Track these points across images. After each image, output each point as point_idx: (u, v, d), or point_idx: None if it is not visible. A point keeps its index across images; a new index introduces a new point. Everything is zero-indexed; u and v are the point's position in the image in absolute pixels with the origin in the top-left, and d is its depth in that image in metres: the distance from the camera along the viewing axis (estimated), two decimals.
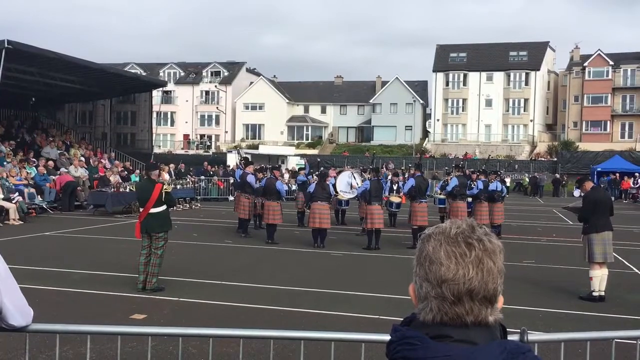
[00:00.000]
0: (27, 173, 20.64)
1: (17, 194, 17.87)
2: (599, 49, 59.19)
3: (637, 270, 11.45)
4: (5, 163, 20.51)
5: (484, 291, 1.25)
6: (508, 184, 34.87)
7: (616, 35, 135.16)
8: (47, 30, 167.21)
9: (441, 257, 1.27)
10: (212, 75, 71.67)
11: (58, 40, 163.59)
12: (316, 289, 9.05)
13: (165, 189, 9.05)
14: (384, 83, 68.33)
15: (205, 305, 7.94)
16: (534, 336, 3.29)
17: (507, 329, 1.36)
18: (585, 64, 58.99)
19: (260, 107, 68.71)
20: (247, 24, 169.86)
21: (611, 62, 57.97)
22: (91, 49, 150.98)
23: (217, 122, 70.36)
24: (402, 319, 1.38)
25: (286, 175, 29.20)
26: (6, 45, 18.61)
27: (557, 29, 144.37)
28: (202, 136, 70.07)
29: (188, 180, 26.36)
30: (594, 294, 8.66)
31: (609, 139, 57.18)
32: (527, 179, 44.85)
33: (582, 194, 9.53)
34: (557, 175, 44.27)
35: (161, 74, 68.80)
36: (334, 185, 16.35)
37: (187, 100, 70.23)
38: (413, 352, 1.25)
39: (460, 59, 64.55)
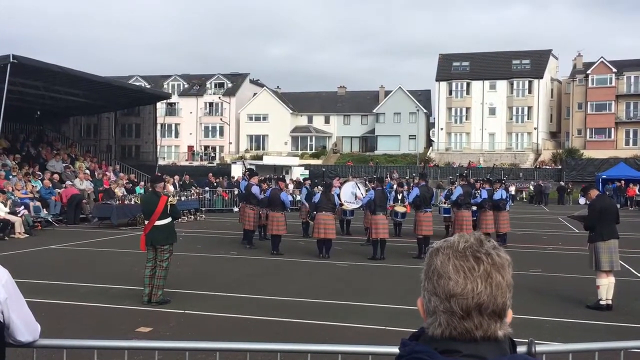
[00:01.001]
0: (33, 186, 20.71)
1: (22, 207, 17.92)
2: (602, 57, 59.25)
3: None
4: (10, 177, 20.60)
5: (493, 305, 1.25)
6: (513, 193, 34.84)
7: (619, 42, 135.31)
8: (52, 44, 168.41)
9: (449, 271, 1.27)
10: (215, 86, 71.96)
11: (62, 53, 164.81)
12: (322, 300, 9.03)
13: (171, 201, 9.08)
14: (387, 93, 68.44)
15: (210, 317, 7.93)
16: (541, 347, 3.28)
17: (514, 339, 1.36)
18: (589, 71, 59.00)
19: (264, 118, 68.90)
20: (251, 35, 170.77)
21: (614, 69, 57.97)
22: (95, 62, 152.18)
23: (221, 134, 70.55)
24: (408, 330, 1.38)
25: (290, 186, 29.22)
26: (11, 60, 18.74)
27: (560, 37, 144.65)
28: (206, 147, 70.22)
29: (192, 191, 26.39)
30: (601, 302, 8.61)
31: (613, 146, 57.06)
32: (532, 187, 44.81)
33: (588, 202, 9.50)
34: (562, 183, 44.17)
35: (165, 86, 69.13)
36: (339, 196, 16.34)
37: (191, 112, 70.49)
38: None
39: (463, 67, 64.66)
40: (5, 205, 17.14)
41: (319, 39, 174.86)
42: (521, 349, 2.10)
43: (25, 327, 2.61)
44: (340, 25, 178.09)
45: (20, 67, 19.48)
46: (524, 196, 45.03)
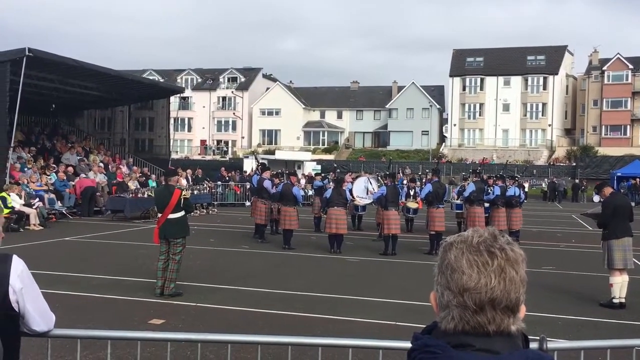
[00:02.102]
0: (48, 179, 20.88)
1: (37, 199, 18.09)
2: (618, 53, 58.62)
3: None
4: (25, 169, 20.78)
5: (506, 300, 1.25)
6: (527, 189, 34.55)
7: (635, 38, 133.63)
8: (66, 38, 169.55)
9: (463, 265, 1.27)
10: (228, 81, 72.10)
11: (77, 48, 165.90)
12: (333, 295, 9.04)
13: (184, 194, 9.12)
14: (400, 88, 68.20)
15: (222, 310, 7.97)
16: (553, 344, 3.27)
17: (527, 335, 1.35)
18: (605, 67, 58.41)
19: (277, 113, 68.95)
20: (264, 30, 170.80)
21: (631, 66, 57.32)
22: (109, 56, 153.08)
23: (234, 128, 70.71)
24: (419, 326, 1.38)
25: (302, 181, 29.25)
26: (27, 53, 18.87)
27: (576, 33, 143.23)
28: (219, 142, 70.45)
29: (205, 185, 26.50)
30: (614, 300, 8.55)
31: (629, 144, 56.48)
32: (544, 185, 44.46)
33: (602, 200, 9.43)
34: (577, 181, 43.81)
35: (178, 80, 69.34)
36: (351, 191, 16.34)
37: (204, 106, 70.70)
38: None
39: (477, 63, 64.22)
40: (21, 197, 17.31)
41: (333, 33, 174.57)
42: (533, 345, 2.10)
43: (41, 316, 2.64)
44: (354, 20, 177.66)
45: (36, 60, 19.62)
46: (539, 190, 44.49)
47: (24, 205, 17.11)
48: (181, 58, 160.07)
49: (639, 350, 3.39)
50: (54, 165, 22.72)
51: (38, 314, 2.62)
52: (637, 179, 39.90)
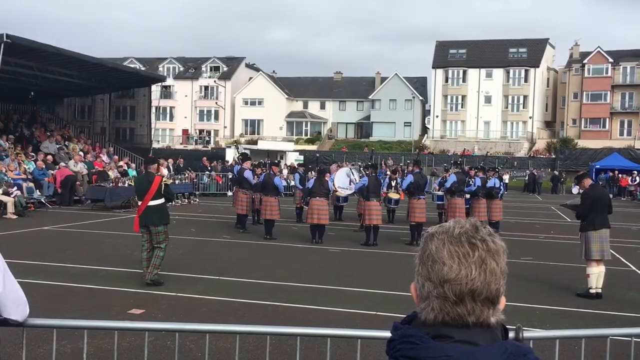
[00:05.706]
0: (26, 167, 20.59)
1: (15, 188, 17.83)
2: (599, 46, 59.14)
3: (634, 268, 11.47)
4: (4, 157, 20.47)
5: (486, 292, 1.25)
6: (507, 181, 34.83)
7: (616, 32, 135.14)
8: (47, 25, 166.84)
9: (444, 256, 1.27)
10: (211, 70, 71.50)
11: (58, 34, 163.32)
12: (314, 285, 9.06)
13: (165, 181, 9.06)
14: (383, 79, 68.23)
15: (203, 300, 7.94)
16: (529, 333, 3.30)
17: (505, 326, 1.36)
18: (585, 61, 58.95)
19: (260, 103, 68.63)
20: (247, 19, 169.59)
21: (611, 60, 57.93)
22: (90, 44, 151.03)
23: (216, 117, 70.27)
24: (399, 315, 1.38)
25: (285, 171, 29.22)
26: (5, 39, 18.53)
27: (557, 26, 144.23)
28: (201, 131, 69.95)
29: (187, 175, 26.34)
30: (591, 291, 8.67)
31: (607, 136, 57.17)
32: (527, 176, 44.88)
33: (581, 191, 9.53)
34: (556, 172, 44.29)
35: (160, 68, 68.60)
36: (333, 181, 16.34)
37: (186, 95, 70.09)
38: (414, 351, 1.24)
39: (459, 55, 64.44)
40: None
41: (316, 24, 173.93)
42: (509, 335, 2.11)
43: (14, 303, 2.60)
44: (339, 11, 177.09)
45: (14, 47, 19.28)
46: (522, 182, 44.78)
47: (1, 194, 16.86)
48: (163, 46, 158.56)
49: (613, 340, 3.44)
50: (33, 154, 22.41)
51: (11, 300, 2.58)
52: (616, 171, 40.49)
